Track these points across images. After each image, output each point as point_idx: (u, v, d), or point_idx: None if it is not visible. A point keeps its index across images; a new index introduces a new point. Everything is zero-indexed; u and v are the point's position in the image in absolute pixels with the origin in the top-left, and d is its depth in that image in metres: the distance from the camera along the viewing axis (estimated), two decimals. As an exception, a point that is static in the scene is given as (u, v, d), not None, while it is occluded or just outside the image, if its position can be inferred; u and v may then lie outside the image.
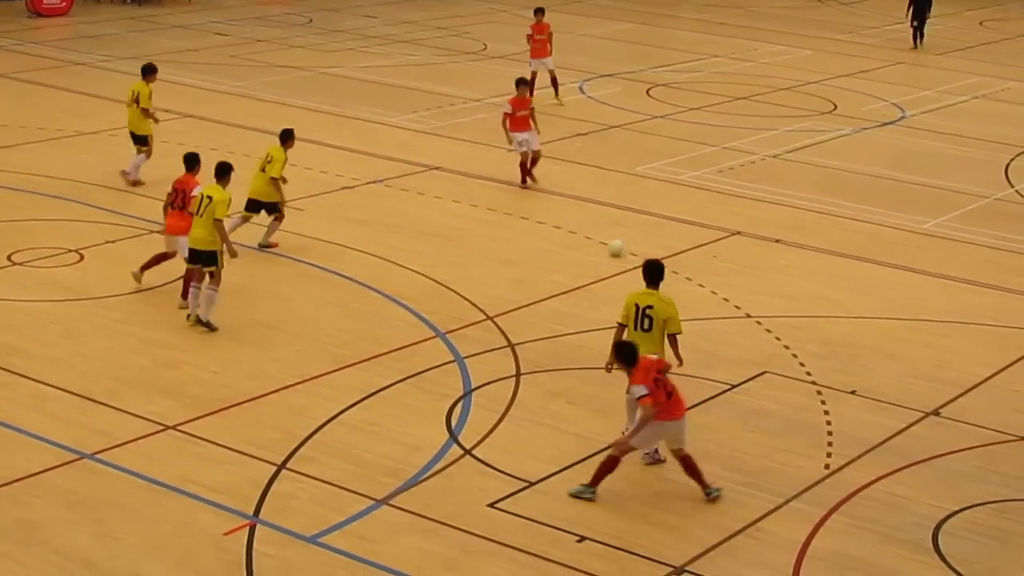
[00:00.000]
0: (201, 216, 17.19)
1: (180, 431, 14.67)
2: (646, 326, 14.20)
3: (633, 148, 27.37)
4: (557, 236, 21.70)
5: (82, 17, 39.83)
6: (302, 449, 14.39)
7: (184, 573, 12.10)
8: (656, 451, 14.22)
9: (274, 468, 13.94)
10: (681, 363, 14.30)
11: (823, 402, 16.18)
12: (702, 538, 13.03)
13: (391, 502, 13.40)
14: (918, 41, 40.00)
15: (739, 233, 22.24)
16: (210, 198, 17.19)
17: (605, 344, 14.05)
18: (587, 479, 13.63)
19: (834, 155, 27.51)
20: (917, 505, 13.88)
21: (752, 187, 24.86)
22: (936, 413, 16.06)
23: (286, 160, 20.19)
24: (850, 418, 15.79)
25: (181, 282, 17.95)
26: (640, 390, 13.20)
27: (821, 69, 36.26)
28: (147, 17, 40.17)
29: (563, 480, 13.93)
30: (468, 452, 14.51)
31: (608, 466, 13.52)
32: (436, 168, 25.15)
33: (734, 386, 16.48)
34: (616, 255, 20.69)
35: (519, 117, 24.00)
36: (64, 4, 40.05)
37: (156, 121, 23.26)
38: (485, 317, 18.22)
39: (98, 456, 14.02)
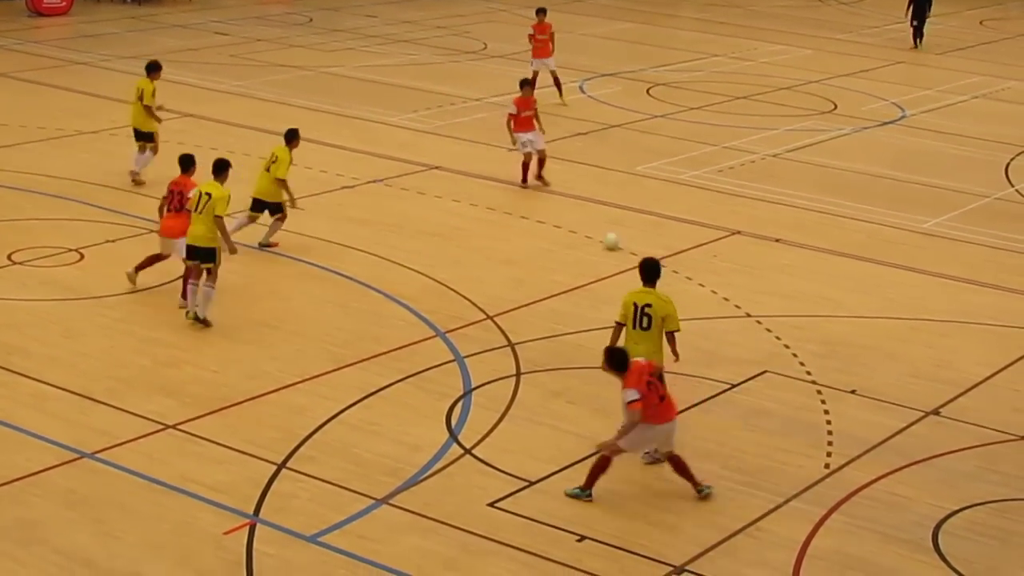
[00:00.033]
0: (200, 213, 17.17)
1: (180, 430, 14.67)
2: (645, 324, 14.20)
3: (633, 147, 27.36)
4: (557, 235, 21.69)
5: (82, 16, 39.80)
6: (302, 448, 14.38)
7: (184, 572, 12.10)
8: (656, 451, 14.21)
9: (274, 467, 13.94)
10: (677, 359, 14.32)
11: (823, 401, 16.17)
12: (702, 537, 13.03)
13: (391, 501, 13.40)
14: (918, 40, 39.98)
15: (739, 232, 22.24)
16: (209, 195, 17.16)
17: (605, 343, 14.03)
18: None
19: (834, 155, 27.51)
20: (917, 505, 13.88)
21: (752, 186, 24.86)
22: (936, 413, 16.05)
23: (291, 160, 20.18)
24: (850, 417, 15.78)
25: (180, 282, 17.92)
26: (632, 394, 13.14)
27: (821, 68, 36.25)
28: (147, 16, 40.16)
29: (563, 480, 13.92)
30: (468, 451, 14.51)
31: (600, 467, 13.49)
32: (436, 167, 25.14)
33: (734, 385, 16.47)
34: (611, 248, 20.72)
35: (523, 117, 24.00)
36: (64, 3, 40.00)
37: (159, 120, 23.19)
38: (485, 316, 18.22)
39: (98, 455, 14.02)
